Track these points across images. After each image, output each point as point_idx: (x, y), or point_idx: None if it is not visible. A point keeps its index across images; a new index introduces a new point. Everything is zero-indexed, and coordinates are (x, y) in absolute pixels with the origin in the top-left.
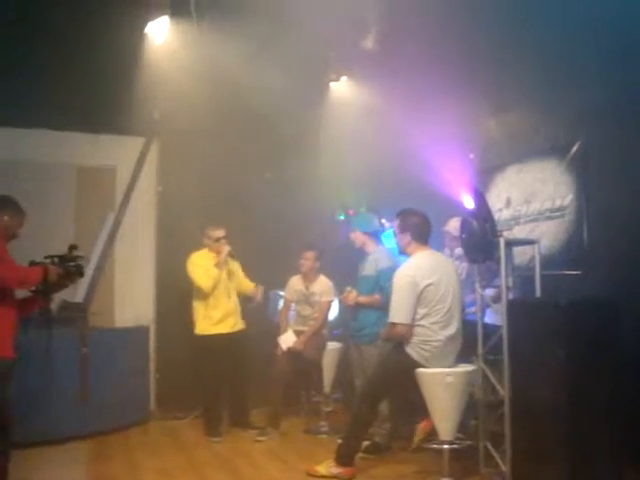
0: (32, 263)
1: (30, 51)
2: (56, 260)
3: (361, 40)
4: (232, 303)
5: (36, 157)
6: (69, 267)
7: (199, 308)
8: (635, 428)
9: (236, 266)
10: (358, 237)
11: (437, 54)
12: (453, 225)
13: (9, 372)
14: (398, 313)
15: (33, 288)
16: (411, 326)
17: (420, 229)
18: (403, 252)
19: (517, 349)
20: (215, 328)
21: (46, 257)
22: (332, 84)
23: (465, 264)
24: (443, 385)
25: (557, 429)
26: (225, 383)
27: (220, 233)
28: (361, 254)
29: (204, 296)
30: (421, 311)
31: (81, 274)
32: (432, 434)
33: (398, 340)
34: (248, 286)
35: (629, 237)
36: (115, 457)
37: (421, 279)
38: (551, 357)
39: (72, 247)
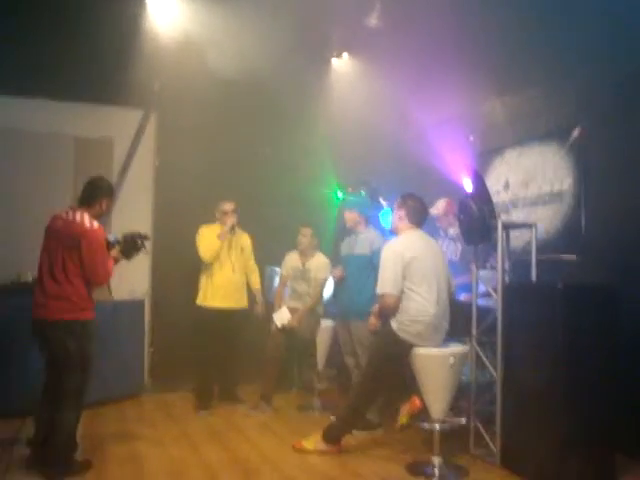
0: (107, 242)
1: (29, 20)
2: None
3: (364, 17)
4: (237, 279)
5: (34, 126)
6: (139, 246)
7: (203, 279)
8: (628, 412)
9: (247, 243)
10: (354, 217)
11: (441, 34)
12: (438, 207)
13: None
14: (386, 284)
15: None
16: (399, 297)
17: (417, 212)
18: (394, 229)
19: (511, 332)
20: (216, 301)
21: (125, 234)
22: (333, 60)
23: (460, 245)
24: (444, 366)
25: (549, 412)
26: (217, 357)
27: (228, 206)
28: (346, 233)
29: (208, 268)
30: (409, 285)
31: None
32: (417, 415)
33: (389, 313)
34: (254, 280)
35: (626, 223)
36: (109, 428)
37: (406, 251)
38: (545, 341)
39: (144, 237)
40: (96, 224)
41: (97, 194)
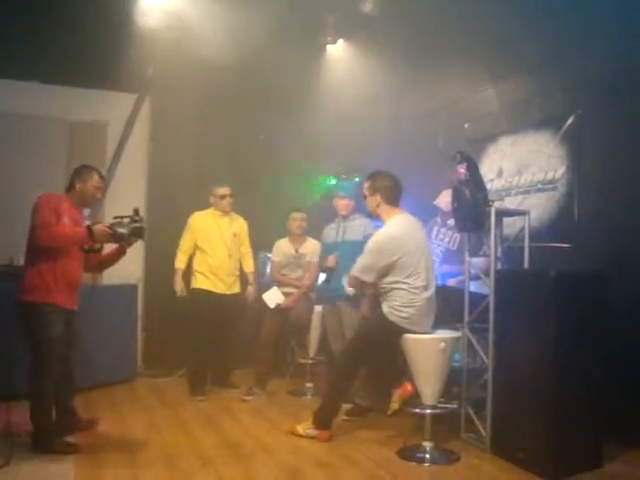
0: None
1: (23, 4)
2: (124, 220)
3: (359, 3)
4: (232, 264)
5: (28, 110)
6: (134, 228)
7: (199, 263)
8: (618, 400)
9: (242, 228)
10: (347, 203)
11: (435, 21)
12: (444, 201)
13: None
14: (359, 268)
15: (86, 247)
16: (363, 283)
17: (390, 191)
18: (373, 214)
19: (503, 319)
20: (208, 285)
21: (115, 217)
22: (329, 47)
23: (457, 235)
24: (435, 351)
25: (540, 398)
26: (210, 342)
27: (224, 191)
28: (330, 220)
29: (202, 251)
30: (402, 274)
31: (141, 235)
32: (408, 400)
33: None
34: (247, 263)
35: (619, 211)
36: (102, 413)
37: (397, 250)
38: (537, 327)
39: (136, 211)
40: (47, 193)
41: (72, 180)
